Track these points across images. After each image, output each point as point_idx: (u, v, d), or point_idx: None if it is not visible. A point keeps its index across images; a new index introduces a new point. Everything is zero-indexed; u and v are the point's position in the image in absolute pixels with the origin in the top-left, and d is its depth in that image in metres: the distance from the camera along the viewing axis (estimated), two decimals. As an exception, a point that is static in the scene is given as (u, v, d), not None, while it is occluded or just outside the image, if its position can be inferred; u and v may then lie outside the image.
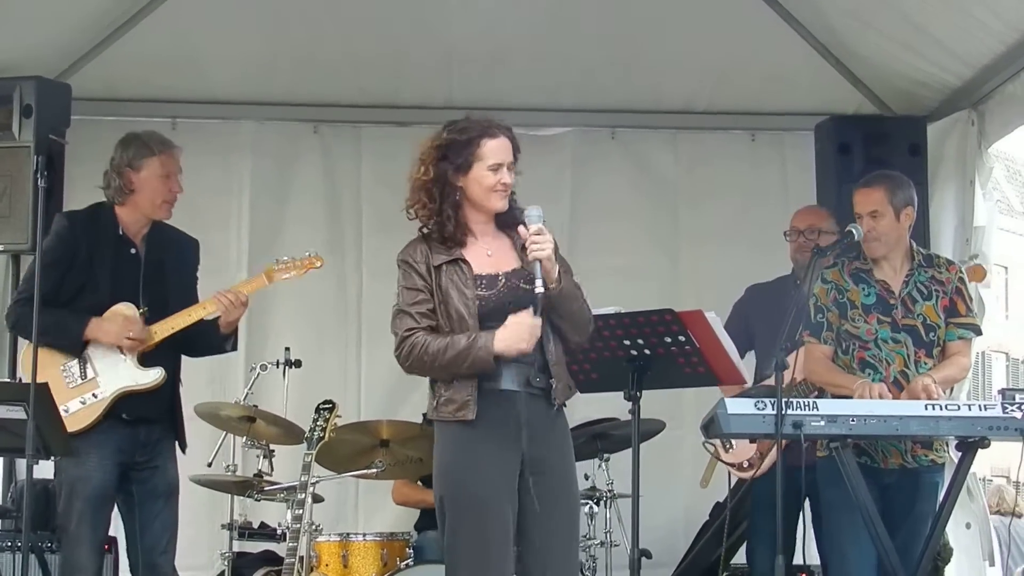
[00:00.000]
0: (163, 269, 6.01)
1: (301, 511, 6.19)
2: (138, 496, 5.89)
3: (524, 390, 4.93)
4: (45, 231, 5.76)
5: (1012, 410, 5.33)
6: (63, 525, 5.79)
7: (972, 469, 5.75)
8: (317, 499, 6.52)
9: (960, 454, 5.57)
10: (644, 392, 5.58)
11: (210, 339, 6.06)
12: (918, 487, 5.77)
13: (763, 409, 5.25)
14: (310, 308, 8.16)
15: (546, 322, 4.94)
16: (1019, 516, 9.94)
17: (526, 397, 4.93)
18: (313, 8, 7.66)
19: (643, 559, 5.59)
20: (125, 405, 5.84)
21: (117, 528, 6.12)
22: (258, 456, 6.84)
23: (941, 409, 5.37)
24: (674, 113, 8.32)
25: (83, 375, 5.83)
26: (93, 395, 5.78)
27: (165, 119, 8.01)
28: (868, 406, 5.41)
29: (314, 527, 6.39)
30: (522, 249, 4.93)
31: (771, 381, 5.94)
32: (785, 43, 7.78)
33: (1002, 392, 5.41)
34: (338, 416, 6.42)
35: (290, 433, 6.73)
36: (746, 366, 6.06)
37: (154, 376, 5.86)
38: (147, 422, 5.90)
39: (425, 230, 5.03)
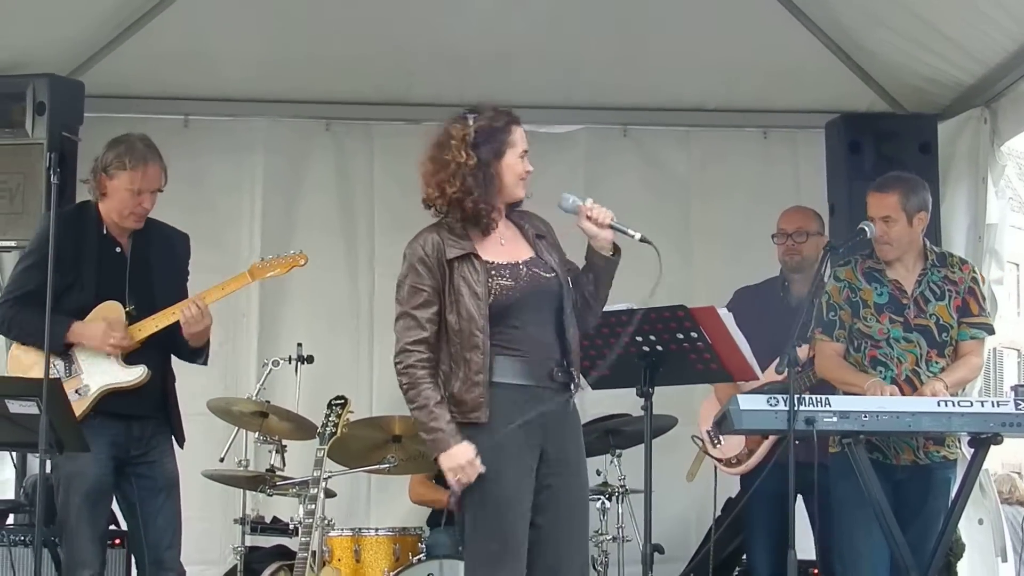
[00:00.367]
0: (149, 267, 5.96)
1: (313, 506, 6.21)
2: (138, 492, 5.86)
3: (543, 384, 4.88)
4: (61, 228, 5.75)
5: (1025, 406, 5.34)
6: (62, 521, 5.77)
7: (984, 465, 5.75)
8: (329, 494, 6.54)
9: (972, 450, 5.58)
10: (656, 388, 5.59)
11: (182, 348, 5.98)
12: (930, 483, 5.77)
13: (775, 405, 5.25)
14: (322, 304, 8.18)
15: (568, 308, 4.93)
16: None
17: (545, 392, 4.88)
18: (325, 6, 7.66)
19: (655, 554, 5.60)
20: (115, 401, 5.81)
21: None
22: (270, 451, 6.86)
23: (954, 405, 5.38)
24: (686, 111, 8.32)
25: (68, 371, 5.80)
26: (77, 392, 5.75)
27: (177, 116, 8.05)
28: (880, 402, 5.42)
29: (326, 522, 6.41)
30: (586, 221, 4.94)
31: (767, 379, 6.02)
32: (797, 41, 7.77)
33: (1015, 388, 5.41)
34: (350, 412, 6.44)
35: (302, 428, 6.75)
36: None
37: (137, 374, 5.81)
38: (139, 418, 5.86)
39: (446, 218, 4.94)
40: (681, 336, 5.52)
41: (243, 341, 8.06)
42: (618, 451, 6.90)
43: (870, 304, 5.86)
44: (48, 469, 5.59)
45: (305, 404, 7.06)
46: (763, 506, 6.31)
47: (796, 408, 5.19)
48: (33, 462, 6.64)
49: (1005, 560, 7.28)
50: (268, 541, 7.25)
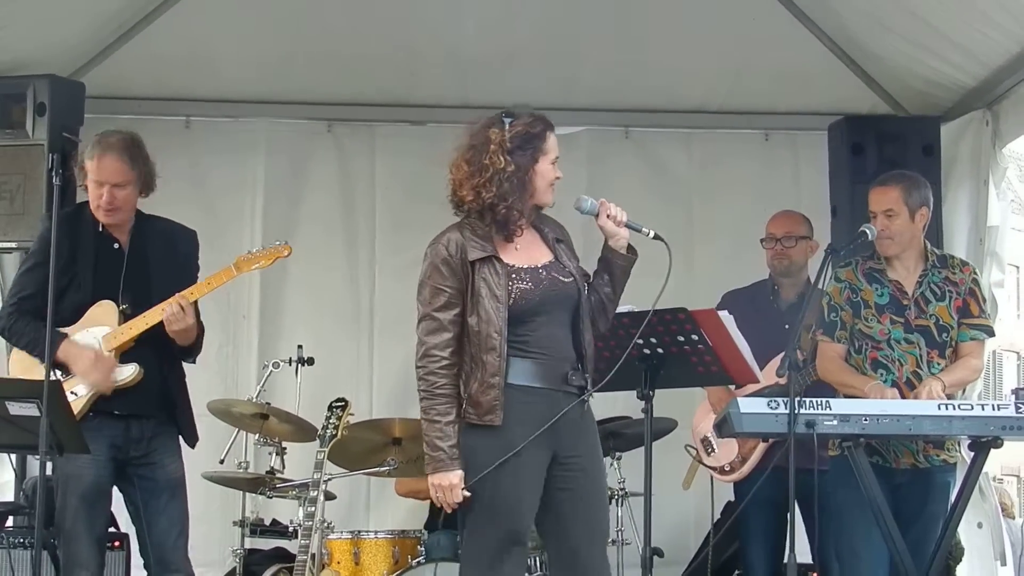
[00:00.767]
0: (147, 262, 5.88)
1: (313, 508, 6.21)
2: (140, 493, 5.81)
3: (558, 388, 4.88)
4: (58, 229, 5.73)
5: (1025, 409, 5.33)
6: (60, 522, 5.73)
7: (983, 469, 5.74)
8: (329, 496, 6.54)
9: (972, 454, 5.57)
10: (656, 391, 5.58)
11: (174, 346, 5.88)
12: (930, 487, 5.76)
13: (776, 408, 5.24)
14: (323, 306, 8.18)
15: (584, 313, 4.95)
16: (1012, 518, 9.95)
17: (559, 395, 4.88)
18: (327, 7, 7.66)
19: (655, 558, 5.58)
20: (114, 400, 5.76)
21: (130, 525, 6.12)
22: (270, 453, 6.87)
23: (954, 409, 5.36)
24: (688, 112, 8.32)
25: (66, 372, 5.76)
26: (73, 393, 5.70)
27: (179, 118, 8.05)
28: (881, 405, 5.40)
29: (326, 524, 6.41)
30: (607, 219, 5.00)
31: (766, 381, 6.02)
32: (799, 43, 7.77)
33: (1015, 391, 5.39)
34: (350, 414, 6.44)
35: (302, 430, 6.75)
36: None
37: (128, 372, 5.75)
38: (138, 417, 5.80)
39: (468, 218, 4.92)
40: (682, 338, 5.51)
41: (243, 343, 8.06)
42: (618, 454, 6.91)
43: (871, 305, 5.85)
44: (49, 471, 5.57)
45: (305, 406, 7.06)
46: (758, 512, 6.34)
47: (796, 411, 5.18)
48: (33, 464, 6.63)
49: (1004, 564, 7.28)
50: (267, 543, 7.26)
